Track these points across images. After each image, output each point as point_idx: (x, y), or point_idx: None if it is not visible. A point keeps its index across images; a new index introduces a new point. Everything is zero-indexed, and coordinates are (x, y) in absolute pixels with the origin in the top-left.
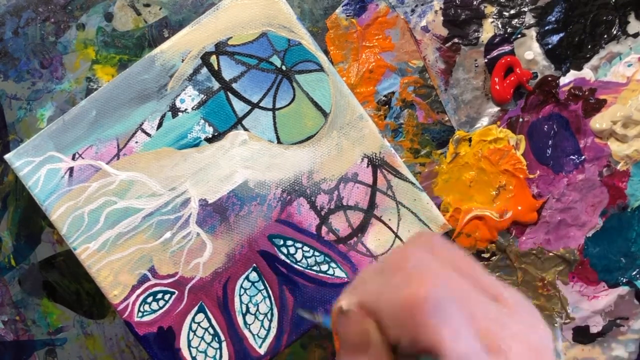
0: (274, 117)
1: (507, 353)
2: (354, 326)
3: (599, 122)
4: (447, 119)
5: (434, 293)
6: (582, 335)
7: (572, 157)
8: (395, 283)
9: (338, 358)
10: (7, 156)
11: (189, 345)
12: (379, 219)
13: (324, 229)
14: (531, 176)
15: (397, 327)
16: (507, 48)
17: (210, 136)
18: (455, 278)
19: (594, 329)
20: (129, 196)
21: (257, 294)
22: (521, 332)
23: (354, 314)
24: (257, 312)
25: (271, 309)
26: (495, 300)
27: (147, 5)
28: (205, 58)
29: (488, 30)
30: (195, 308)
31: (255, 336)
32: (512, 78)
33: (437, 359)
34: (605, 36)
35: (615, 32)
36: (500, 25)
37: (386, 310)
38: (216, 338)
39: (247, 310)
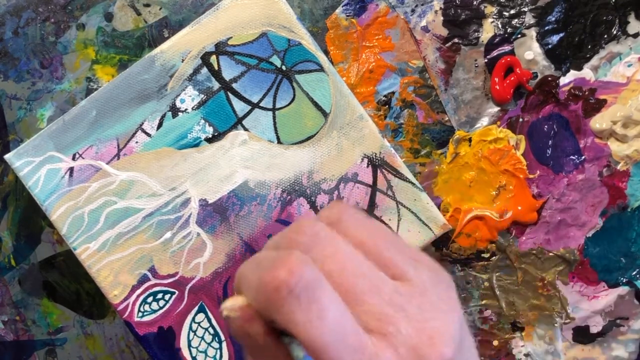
0: (274, 117)
1: (394, 336)
2: (239, 331)
3: (599, 122)
4: (447, 119)
5: (295, 277)
6: (582, 335)
7: (572, 157)
8: (264, 264)
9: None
10: (7, 156)
11: (189, 345)
12: (379, 219)
13: None
14: (531, 176)
15: (261, 309)
16: (507, 48)
17: (210, 136)
18: (344, 254)
19: (594, 329)
20: (129, 196)
21: None
22: (417, 316)
23: (235, 321)
24: None
25: None
26: (396, 279)
27: (147, 5)
28: (205, 58)
29: (488, 30)
30: (196, 308)
31: None
32: (512, 78)
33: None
34: (605, 36)
35: (615, 32)
36: (500, 25)
37: (252, 290)
38: (216, 338)
39: None
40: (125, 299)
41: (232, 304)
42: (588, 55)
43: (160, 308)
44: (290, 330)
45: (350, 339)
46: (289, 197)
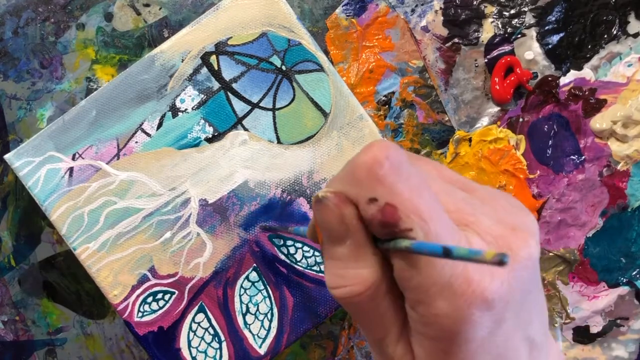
0: (274, 117)
1: (477, 225)
2: (330, 213)
3: (599, 122)
4: (447, 119)
5: (392, 157)
6: (582, 335)
7: (572, 157)
8: (362, 152)
9: (322, 253)
10: (7, 156)
11: (189, 345)
12: None
13: None
14: (531, 176)
15: (357, 189)
16: (507, 48)
17: (210, 136)
18: (420, 161)
19: (594, 329)
20: (129, 196)
21: (257, 294)
22: (494, 213)
23: (329, 200)
24: (257, 312)
25: (271, 309)
26: (466, 191)
27: (147, 5)
28: (205, 58)
29: (488, 30)
30: (196, 308)
31: (255, 336)
32: (512, 78)
33: (410, 239)
34: (605, 36)
35: (615, 32)
36: (500, 25)
37: (346, 173)
38: (216, 338)
39: (247, 310)
40: (125, 299)
41: (325, 189)
42: (588, 55)
43: (160, 308)
44: (393, 200)
45: (445, 220)
46: (289, 197)
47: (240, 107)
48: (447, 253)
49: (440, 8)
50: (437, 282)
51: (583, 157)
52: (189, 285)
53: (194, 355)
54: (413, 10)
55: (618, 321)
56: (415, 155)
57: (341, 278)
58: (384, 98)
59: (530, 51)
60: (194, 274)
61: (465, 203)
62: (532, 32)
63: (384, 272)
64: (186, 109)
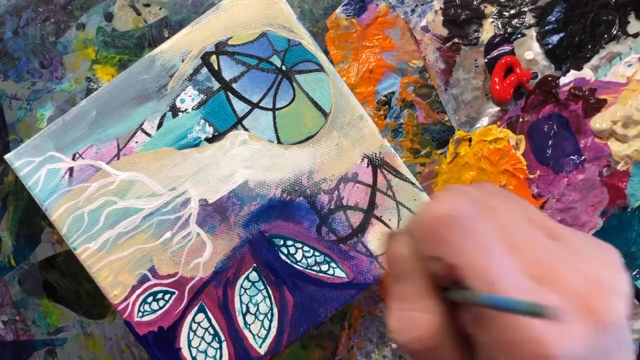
0: (274, 117)
1: (558, 282)
2: (400, 249)
3: (599, 122)
4: (447, 119)
5: (458, 211)
6: None
7: (572, 157)
8: (428, 204)
9: (388, 295)
10: (7, 156)
11: (189, 345)
12: (379, 219)
13: (324, 229)
14: (531, 176)
15: (423, 246)
16: (507, 48)
17: (210, 136)
18: (503, 209)
19: None
20: (129, 196)
21: (257, 294)
22: (582, 268)
23: (402, 237)
24: (257, 312)
25: (271, 309)
26: (553, 238)
27: (147, 5)
28: (205, 58)
29: (488, 30)
30: (196, 308)
31: (256, 336)
32: (512, 78)
33: (476, 293)
34: (605, 36)
35: (615, 32)
36: (500, 25)
37: (414, 227)
38: (216, 338)
39: (247, 310)
40: (125, 299)
41: (399, 227)
42: (588, 55)
43: (160, 308)
44: (455, 260)
45: (514, 278)
46: (289, 197)
47: (240, 107)
48: (506, 306)
49: (440, 8)
50: (506, 340)
51: (583, 157)
52: (189, 285)
53: (194, 355)
54: (413, 10)
55: None
56: (504, 194)
57: (402, 321)
58: (384, 98)
59: (530, 51)
60: (194, 274)
61: (549, 254)
62: (532, 32)
63: (449, 320)
64: (186, 109)
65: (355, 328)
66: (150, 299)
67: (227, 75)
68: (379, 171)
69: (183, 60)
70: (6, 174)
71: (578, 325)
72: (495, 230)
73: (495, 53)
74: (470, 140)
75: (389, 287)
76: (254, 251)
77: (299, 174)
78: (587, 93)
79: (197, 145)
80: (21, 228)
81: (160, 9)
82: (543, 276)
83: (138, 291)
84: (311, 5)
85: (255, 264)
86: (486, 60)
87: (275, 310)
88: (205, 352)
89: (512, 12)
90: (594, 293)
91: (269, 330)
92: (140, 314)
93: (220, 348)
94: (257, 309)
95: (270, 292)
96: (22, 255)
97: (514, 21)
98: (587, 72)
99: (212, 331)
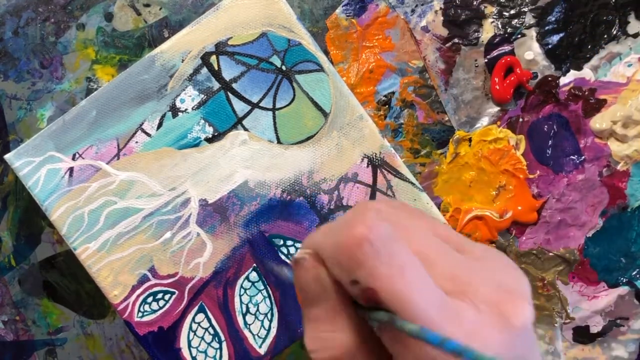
0: (274, 117)
1: (472, 294)
2: (306, 275)
3: (599, 122)
4: (447, 119)
5: (373, 233)
6: (582, 335)
7: (572, 157)
8: (338, 226)
9: (303, 313)
10: (7, 156)
11: (189, 345)
12: None
13: None
14: (531, 176)
15: (338, 270)
16: (507, 48)
17: (210, 136)
18: (411, 226)
19: (594, 329)
20: (129, 196)
21: (257, 294)
22: (491, 277)
23: (306, 262)
24: (257, 312)
25: (271, 309)
26: (459, 251)
27: (147, 5)
28: (205, 58)
29: (488, 30)
30: (196, 308)
31: (256, 336)
32: (512, 78)
33: (391, 314)
34: (605, 36)
35: (615, 32)
36: (500, 25)
37: (328, 253)
38: (216, 338)
39: (247, 310)
40: (125, 299)
41: (302, 251)
42: (588, 55)
43: (160, 308)
44: (371, 284)
45: (432, 295)
46: (289, 197)
47: (240, 107)
48: (418, 335)
49: (440, 8)
50: (422, 359)
51: (583, 157)
52: (189, 285)
53: (194, 355)
54: (413, 11)
55: (618, 321)
56: (408, 210)
57: (318, 341)
58: (384, 98)
59: (530, 51)
60: (194, 274)
61: (461, 267)
62: (532, 32)
63: (365, 337)
64: (186, 109)
65: None
66: (150, 299)
67: (227, 75)
68: (378, 171)
69: (183, 61)
70: (6, 174)
71: (494, 334)
72: (410, 247)
73: (495, 53)
74: (470, 140)
75: (303, 309)
76: (254, 251)
77: (299, 174)
78: (587, 93)
79: (197, 145)
80: (21, 228)
81: (160, 9)
82: (458, 289)
83: (138, 291)
84: (311, 6)
85: (255, 264)
86: (486, 60)
87: (275, 310)
88: (205, 352)
89: (512, 12)
90: (507, 301)
91: (269, 330)
92: (140, 314)
93: (220, 348)
94: (257, 309)
95: (270, 292)
96: (22, 255)
97: (514, 21)
98: (587, 72)
99: (212, 331)
